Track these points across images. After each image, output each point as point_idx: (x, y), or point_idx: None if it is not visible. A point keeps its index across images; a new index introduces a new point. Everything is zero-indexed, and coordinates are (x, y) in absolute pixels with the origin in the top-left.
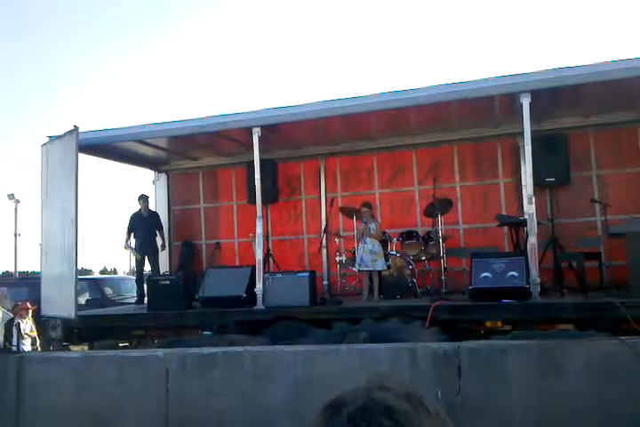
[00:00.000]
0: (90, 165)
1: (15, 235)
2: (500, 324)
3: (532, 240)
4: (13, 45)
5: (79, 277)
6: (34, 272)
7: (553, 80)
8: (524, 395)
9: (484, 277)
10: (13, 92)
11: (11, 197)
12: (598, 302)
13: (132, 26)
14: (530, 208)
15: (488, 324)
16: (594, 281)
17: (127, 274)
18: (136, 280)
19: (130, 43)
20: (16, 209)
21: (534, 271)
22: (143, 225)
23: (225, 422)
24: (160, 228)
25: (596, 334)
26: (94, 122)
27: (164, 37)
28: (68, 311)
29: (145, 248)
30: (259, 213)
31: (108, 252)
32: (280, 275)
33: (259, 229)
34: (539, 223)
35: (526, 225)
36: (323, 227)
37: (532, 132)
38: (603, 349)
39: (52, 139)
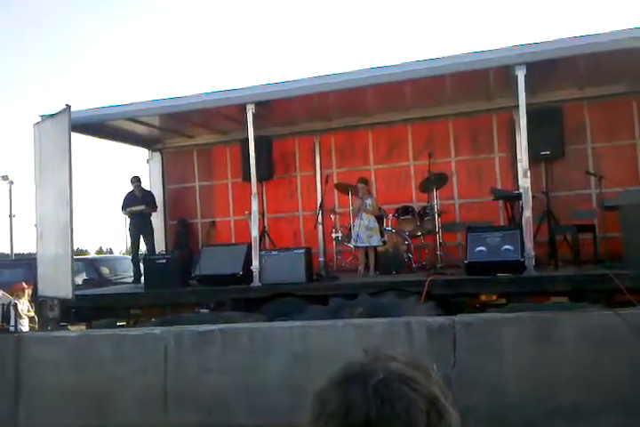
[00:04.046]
0: (84, 143)
1: (10, 216)
2: (494, 297)
3: (527, 214)
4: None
5: (75, 257)
6: (30, 253)
7: (548, 52)
8: (518, 367)
9: (480, 251)
10: (3, 71)
11: (5, 178)
12: (592, 274)
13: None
14: (525, 182)
15: (483, 297)
16: (588, 254)
17: (123, 254)
18: (132, 260)
19: (122, 17)
20: (10, 190)
21: (529, 245)
22: (137, 205)
23: (223, 398)
24: (153, 208)
25: (589, 306)
26: (89, 100)
27: (157, 12)
28: (65, 291)
29: (139, 228)
30: (254, 190)
31: (103, 232)
32: (276, 252)
33: (254, 207)
34: (533, 197)
35: (521, 199)
36: (318, 203)
37: (526, 105)
38: (596, 320)
39: (45, 118)
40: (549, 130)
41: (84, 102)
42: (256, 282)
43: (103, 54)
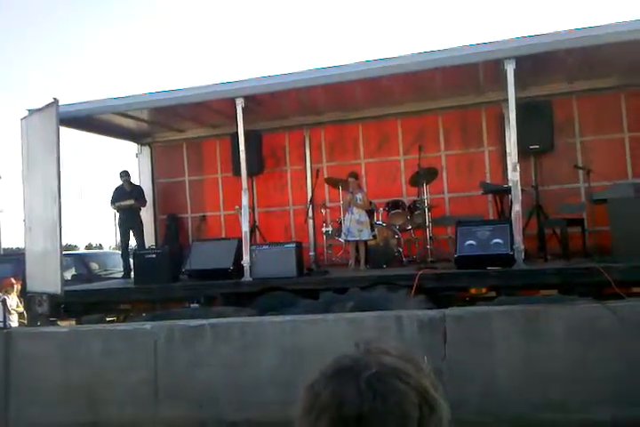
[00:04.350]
0: (72, 138)
1: None
2: (484, 290)
3: (517, 207)
4: None
5: (64, 252)
6: (18, 248)
7: (538, 46)
8: (508, 359)
9: (469, 244)
10: (3, 70)
11: None
12: (581, 268)
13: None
14: (514, 176)
15: (473, 291)
16: (577, 247)
17: (113, 249)
18: (121, 255)
19: (116, 13)
20: None
21: (518, 238)
22: (125, 200)
23: (214, 393)
24: (142, 202)
25: (578, 299)
26: (77, 94)
27: (157, 12)
28: (55, 287)
29: (128, 223)
30: (244, 184)
31: (92, 227)
32: (267, 246)
33: (244, 201)
34: (523, 190)
35: (510, 192)
36: (309, 198)
37: (516, 99)
38: (585, 313)
39: (32, 112)
40: (539, 124)
41: (75, 96)
42: (247, 277)
43: (103, 54)
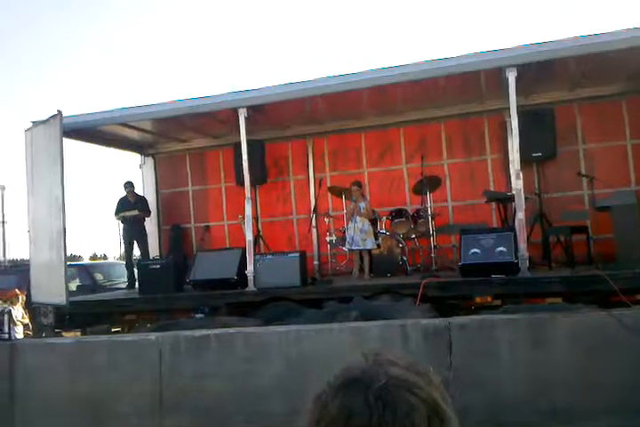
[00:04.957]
0: (76, 149)
1: (2, 222)
2: (489, 299)
3: (520, 215)
4: None
5: (69, 263)
6: (23, 259)
7: (539, 54)
8: (514, 368)
9: (473, 253)
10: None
11: None
12: (586, 276)
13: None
14: (517, 184)
15: (478, 299)
16: (581, 255)
17: (117, 259)
18: (126, 265)
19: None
20: (2, 196)
21: (522, 246)
22: (130, 210)
23: (219, 403)
24: (146, 213)
25: (583, 307)
26: (80, 104)
27: (156, 17)
28: (60, 298)
29: (132, 233)
30: (247, 194)
31: (97, 238)
32: (270, 256)
33: (248, 211)
34: (526, 198)
35: (514, 200)
36: (312, 207)
37: (518, 107)
38: (590, 321)
39: (36, 124)
40: (541, 131)
41: (79, 106)
42: (251, 286)
43: (100, 59)
